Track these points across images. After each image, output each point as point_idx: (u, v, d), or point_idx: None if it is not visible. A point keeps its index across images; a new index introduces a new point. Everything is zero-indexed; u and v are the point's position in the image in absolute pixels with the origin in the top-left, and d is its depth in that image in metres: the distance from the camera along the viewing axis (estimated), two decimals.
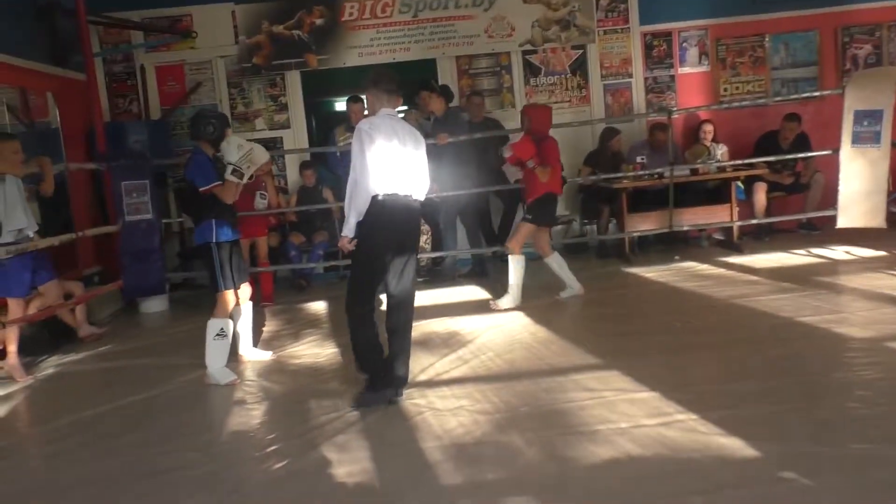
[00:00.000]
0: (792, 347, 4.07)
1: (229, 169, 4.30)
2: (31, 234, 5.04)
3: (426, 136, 7.00)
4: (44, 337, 5.67)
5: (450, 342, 4.80)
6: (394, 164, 3.64)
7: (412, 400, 3.75)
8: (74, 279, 5.99)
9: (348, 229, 3.73)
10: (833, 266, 6.17)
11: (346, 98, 7.49)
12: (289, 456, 3.21)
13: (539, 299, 5.75)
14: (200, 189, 4.30)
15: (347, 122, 7.34)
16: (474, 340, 4.78)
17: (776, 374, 3.66)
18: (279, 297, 6.79)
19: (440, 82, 7.76)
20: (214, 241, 4.32)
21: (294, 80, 8.03)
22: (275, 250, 7.13)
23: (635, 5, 8.05)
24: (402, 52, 7.95)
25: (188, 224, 7.79)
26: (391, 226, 3.65)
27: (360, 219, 3.66)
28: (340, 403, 3.79)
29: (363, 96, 7.43)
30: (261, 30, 7.87)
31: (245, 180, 4.42)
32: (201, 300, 7.27)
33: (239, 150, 4.33)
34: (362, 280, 3.72)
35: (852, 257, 6.35)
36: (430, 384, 3.99)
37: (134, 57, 7.87)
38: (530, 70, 8.11)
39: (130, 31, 7.81)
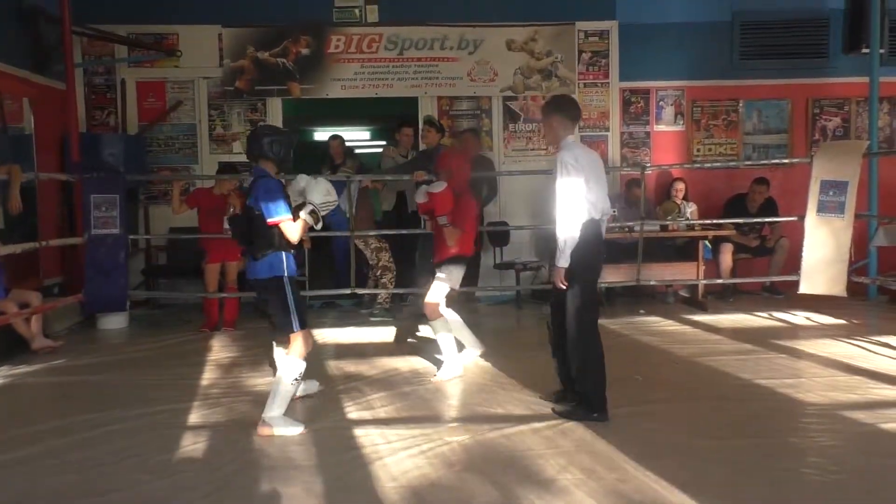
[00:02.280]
0: (751, 409, 4.11)
1: (308, 208, 3.87)
2: None
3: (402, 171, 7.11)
4: None
5: (412, 381, 4.77)
6: (598, 188, 3.82)
7: (370, 438, 3.70)
8: (33, 289, 5.87)
9: (565, 260, 3.76)
10: (794, 331, 6.28)
11: (326, 129, 7.55)
12: (234, 487, 3.14)
13: (501, 343, 5.74)
14: (269, 220, 3.79)
15: (330, 158, 7.38)
16: (436, 381, 4.75)
17: (735, 435, 3.68)
18: (242, 322, 6.70)
19: (420, 121, 7.83)
20: (286, 275, 3.87)
21: (275, 106, 8.04)
22: (243, 275, 7.04)
23: (616, 61, 8.24)
24: (384, 88, 8.02)
25: (156, 242, 7.72)
26: (602, 247, 3.91)
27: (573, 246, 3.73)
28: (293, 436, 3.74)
29: (340, 134, 7.56)
30: (246, 54, 7.90)
31: (317, 226, 4.02)
32: (162, 320, 7.17)
33: (327, 195, 3.94)
34: (590, 300, 3.87)
35: (812, 323, 6.47)
36: (389, 422, 3.95)
37: (116, 70, 7.84)
38: (510, 116, 8.22)
39: (115, 45, 7.78)
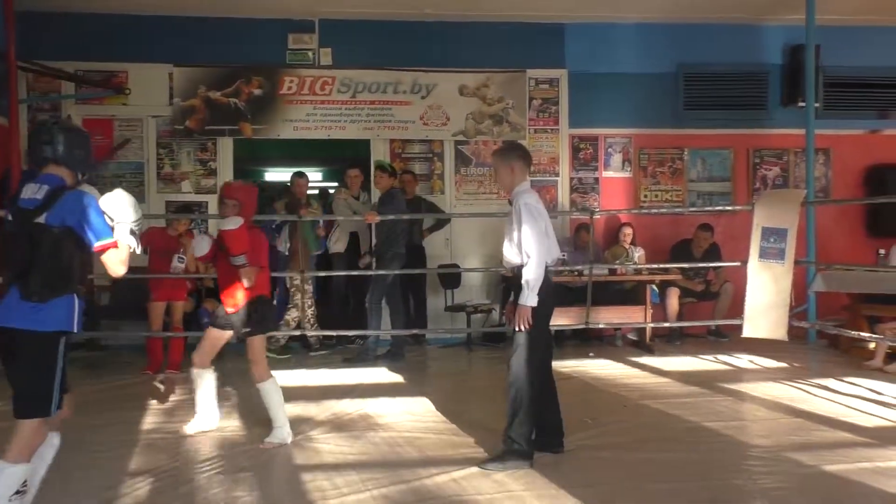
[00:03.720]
0: (698, 451, 4.14)
1: (124, 227, 2.94)
2: None
3: (354, 213, 7.11)
4: None
5: (360, 424, 4.70)
6: (550, 233, 3.94)
7: (316, 483, 3.62)
8: None
9: (534, 299, 3.76)
10: (738, 373, 6.39)
11: (278, 170, 7.50)
12: None
13: (450, 385, 5.71)
14: (96, 245, 2.85)
15: (290, 195, 7.32)
16: (385, 424, 4.69)
17: (684, 477, 3.70)
18: (187, 365, 6.51)
19: (373, 161, 7.88)
20: (73, 330, 2.85)
21: (226, 146, 7.99)
22: (188, 315, 6.91)
23: (566, 109, 8.42)
24: (337, 130, 8.04)
25: (98, 282, 7.50)
26: (552, 290, 3.97)
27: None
28: (240, 483, 3.63)
29: (305, 172, 7.53)
30: (197, 94, 7.85)
31: (137, 251, 3.07)
32: (103, 361, 6.96)
33: (138, 210, 3.03)
34: (540, 343, 3.91)
35: (756, 366, 6.60)
36: (338, 467, 3.87)
37: (62, 107, 7.70)
38: (461, 159, 8.31)
39: (62, 81, 7.66)
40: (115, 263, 2.89)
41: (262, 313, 4.38)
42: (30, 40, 7.03)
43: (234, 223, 4.16)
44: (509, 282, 4.09)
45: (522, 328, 3.81)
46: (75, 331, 2.85)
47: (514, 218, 3.89)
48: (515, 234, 3.86)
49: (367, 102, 8.06)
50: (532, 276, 3.77)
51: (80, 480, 3.69)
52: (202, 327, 6.99)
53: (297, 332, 6.97)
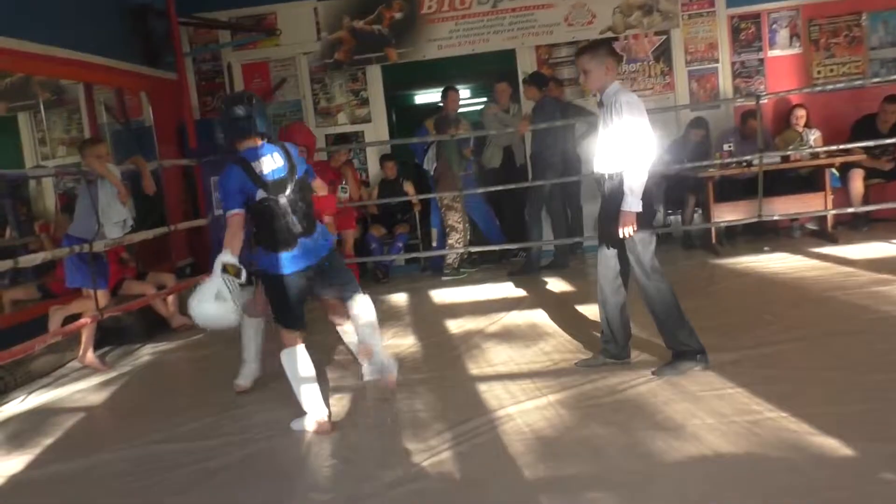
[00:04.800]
0: (892, 342, 3.87)
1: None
2: (131, 222, 5.25)
3: (506, 127, 7.05)
4: (140, 326, 5.90)
5: (531, 335, 4.78)
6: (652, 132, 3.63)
7: (494, 392, 3.75)
8: (167, 271, 6.25)
9: (637, 204, 3.56)
10: None
11: (426, 92, 7.52)
12: (369, 448, 3.26)
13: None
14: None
15: (437, 113, 7.36)
16: (554, 332, 4.74)
17: (876, 370, 3.48)
18: (363, 288, 6.87)
19: (520, 73, 7.72)
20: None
21: (375, 74, 8.11)
22: (356, 242, 7.23)
23: None
24: (481, 44, 7.92)
25: None
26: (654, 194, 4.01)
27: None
28: (419, 395, 3.84)
29: (457, 87, 7.49)
30: (342, 25, 7.99)
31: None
32: None
33: None
34: (652, 245, 3.71)
35: None
36: (513, 377, 3.98)
37: (221, 56, 8.12)
38: None
39: (218, 31, 8.05)
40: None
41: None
42: None
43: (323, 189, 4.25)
44: (602, 189, 3.81)
45: (628, 235, 3.62)
46: None
47: (611, 118, 3.63)
48: (615, 134, 3.61)
49: (508, 11, 7.85)
50: (637, 179, 3.55)
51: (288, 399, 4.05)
52: (371, 253, 7.33)
53: (460, 251, 7.01)
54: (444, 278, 7.05)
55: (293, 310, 3.57)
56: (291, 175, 3.51)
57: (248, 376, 4.27)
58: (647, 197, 3.63)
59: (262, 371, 4.29)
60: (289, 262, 3.50)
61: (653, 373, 3.76)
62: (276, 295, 3.57)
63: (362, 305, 3.83)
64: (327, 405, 3.67)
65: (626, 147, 3.57)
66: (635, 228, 3.60)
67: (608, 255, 3.86)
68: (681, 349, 3.73)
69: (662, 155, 3.74)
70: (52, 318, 5.03)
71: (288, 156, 3.54)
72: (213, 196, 6.57)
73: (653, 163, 3.63)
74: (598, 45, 3.83)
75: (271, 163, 3.46)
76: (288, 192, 3.47)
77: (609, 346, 3.96)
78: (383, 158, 7.72)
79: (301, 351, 3.55)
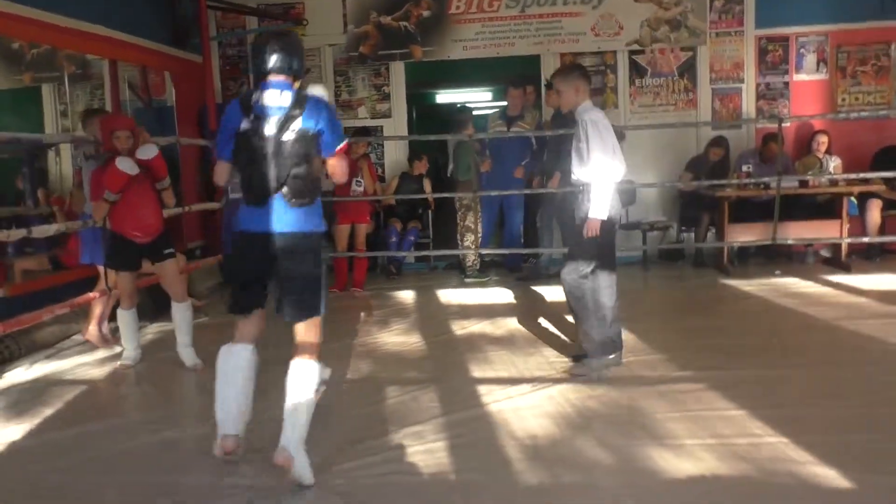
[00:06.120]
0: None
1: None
2: None
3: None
4: (148, 305, 5.92)
5: (534, 342, 4.77)
6: (616, 152, 3.95)
7: (493, 396, 3.75)
8: (178, 251, 6.26)
9: (604, 211, 3.89)
10: None
11: (448, 92, 7.48)
12: (362, 439, 3.27)
13: (629, 307, 5.62)
14: (337, 149, 2.97)
15: (503, 109, 7.36)
16: (559, 341, 4.74)
17: (881, 402, 3.46)
18: (369, 283, 6.91)
19: (543, 79, 7.70)
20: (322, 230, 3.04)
21: (398, 70, 8.12)
22: (369, 237, 7.24)
23: (752, 7, 7.74)
24: (506, 48, 7.92)
25: None
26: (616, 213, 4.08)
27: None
28: (419, 393, 3.84)
29: (521, 85, 7.44)
30: (369, 20, 8.00)
31: None
32: None
33: None
34: (599, 255, 4.00)
35: None
36: (514, 381, 3.97)
37: (247, 41, 8.15)
38: (636, 70, 7.93)
39: (246, 17, 8.08)
40: (343, 168, 3.01)
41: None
42: None
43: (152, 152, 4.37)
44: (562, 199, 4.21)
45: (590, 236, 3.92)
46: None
47: (581, 135, 3.96)
48: (584, 150, 3.94)
49: (535, 16, 7.85)
50: (601, 190, 3.87)
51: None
52: (389, 247, 7.32)
53: (470, 251, 7.00)
54: (467, 280, 7.02)
55: (233, 287, 3.06)
56: (291, 120, 2.85)
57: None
58: (609, 209, 3.93)
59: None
60: (244, 218, 2.94)
61: (571, 374, 4.04)
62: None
63: (296, 368, 2.91)
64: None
65: (590, 161, 3.89)
66: (597, 234, 3.90)
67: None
68: (584, 345, 4.05)
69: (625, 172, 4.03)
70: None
71: (303, 105, 2.86)
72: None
73: (618, 177, 3.94)
74: (570, 69, 4.20)
75: (276, 98, 2.87)
76: (279, 133, 2.85)
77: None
78: (413, 157, 7.67)
79: (237, 352, 3.00)
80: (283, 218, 2.86)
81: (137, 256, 4.49)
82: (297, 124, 2.84)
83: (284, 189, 2.85)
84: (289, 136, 2.84)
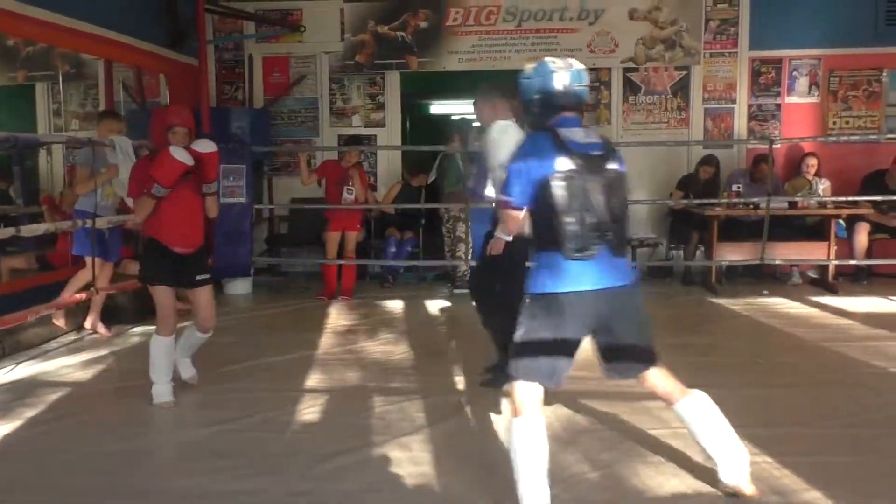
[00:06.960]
0: (884, 398, 3.86)
1: None
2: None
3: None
4: (133, 307, 5.88)
5: None
6: None
7: (479, 408, 3.74)
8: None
9: (506, 233, 3.75)
10: None
11: (443, 103, 7.48)
12: (350, 450, 3.25)
13: None
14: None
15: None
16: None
17: (866, 424, 3.48)
18: (360, 292, 6.89)
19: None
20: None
21: (393, 80, 8.14)
22: (359, 244, 7.22)
23: (746, 29, 7.81)
24: (502, 61, 7.95)
25: (279, 212, 8.03)
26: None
27: None
28: (405, 403, 3.83)
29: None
30: (366, 29, 8.02)
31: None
32: (283, 286, 7.47)
33: None
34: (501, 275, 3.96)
35: None
36: (501, 394, 3.96)
37: (244, 46, 8.15)
38: (630, 88, 7.98)
39: (243, 22, 8.09)
40: None
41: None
42: None
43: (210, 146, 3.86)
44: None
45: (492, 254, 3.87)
46: None
47: (490, 152, 3.91)
48: (492, 164, 3.87)
49: (532, 31, 7.89)
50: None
51: (266, 392, 4.04)
52: (387, 257, 7.30)
53: (461, 262, 7.00)
54: (456, 290, 7.00)
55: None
56: (607, 160, 2.61)
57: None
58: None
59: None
60: (569, 277, 2.55)
61: (481, 384, 4.02)
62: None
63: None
64: None
65: (497, 177, 3.77)
66: (500, 252, 3.83)
67: None
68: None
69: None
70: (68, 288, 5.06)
71: (608, 142, 2.73)
72: (221, 184, 6.55)
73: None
74: (491, 89, 4.24)
75: (583, 136, 2.66)
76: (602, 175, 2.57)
77: None
78: (415, 170, 7.67)
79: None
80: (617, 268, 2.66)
81: (177, 270, 3.90)
82: (616, 167, 2.68)
83: (615, 240, 2.61)
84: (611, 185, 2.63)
